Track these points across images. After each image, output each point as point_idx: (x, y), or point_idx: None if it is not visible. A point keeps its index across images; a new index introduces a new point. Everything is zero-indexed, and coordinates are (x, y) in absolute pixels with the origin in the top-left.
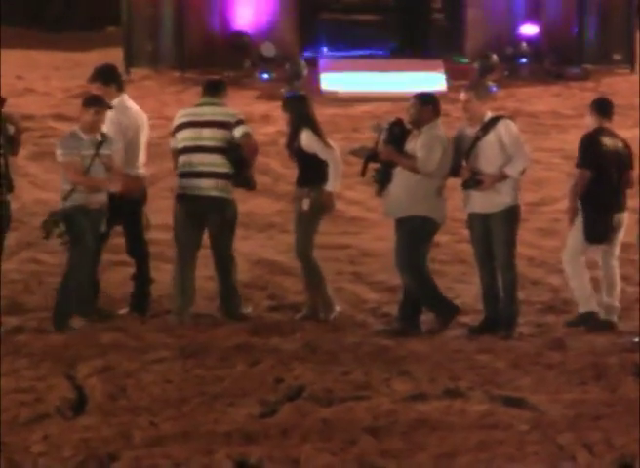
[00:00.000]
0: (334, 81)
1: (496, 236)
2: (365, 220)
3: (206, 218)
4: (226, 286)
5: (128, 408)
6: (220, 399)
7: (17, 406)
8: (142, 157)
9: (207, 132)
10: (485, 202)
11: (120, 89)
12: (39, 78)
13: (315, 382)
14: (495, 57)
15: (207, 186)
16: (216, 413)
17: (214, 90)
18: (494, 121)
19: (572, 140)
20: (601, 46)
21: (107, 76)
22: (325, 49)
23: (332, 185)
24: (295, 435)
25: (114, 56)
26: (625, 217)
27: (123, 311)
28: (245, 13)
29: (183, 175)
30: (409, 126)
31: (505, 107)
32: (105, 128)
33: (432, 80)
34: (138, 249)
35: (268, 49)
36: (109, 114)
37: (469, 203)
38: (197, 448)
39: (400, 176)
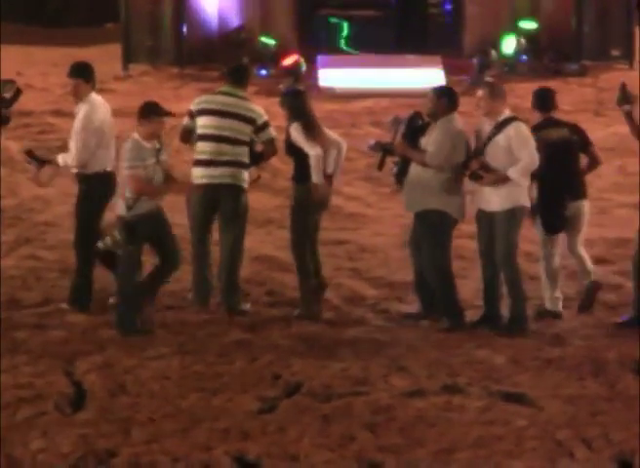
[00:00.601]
0: (332, 77)
1: (497, 235)
2: (363, 216)
3: (220, 206)
4: (230, 280)
5: (127, 404)
6: (218, 395)
7: (16, 402)
8: (112, 153)
9: (231, 123)
10: (490, 200)
11: (94, 87)
12: (38, 74)
13: (314, 378)
14: (493, 52)
15: (224, 174)
16: (214, 410)
17: (239, 79)
18: (506, 122)
19: None
20: (599, 42)
21: (89, 73)
22: (322, 45)
23: (314, 179)
24: (293, 431)
25: (113, 51)
26: (584, 206)
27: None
28: (243, 9)
29: (201, 162)
30: (427, 119)
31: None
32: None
33: (431, 76)
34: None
35: (268, 43)
36: (88, 112)
37: (477, 199)
38: (196, 444)
39: (415, 170)
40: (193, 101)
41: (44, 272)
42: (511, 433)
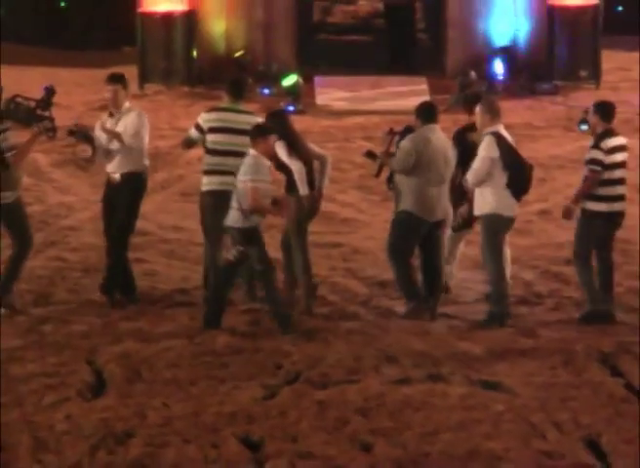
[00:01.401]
0: (328, 96)
1: (481, 237)
2: (356, 221)
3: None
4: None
5: (143, 390)
6: (225, 383)
7: (42, 389)
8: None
9: (236, 138)
10: (475, 206)
11: (128, 95)
12: (62, 93)
13: (311, 368)
14: (473, 73)
15: (229, 182)
16: (222, 396)
17: (237, 93)
18: (484, 136)
19: (542, 149)
20: (569, 64)
21: (126, 81)
22: (320, 67)
23: (300, 190)
24: (293, 415)
25: (130, 72)
26: (465, 209)
27: None
28: (248, 34)
29: (214, 172)
30: None
31: None
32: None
33: (417, 94)
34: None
35: (269, 66)
36: (135, 118)
37: None
38: (205, 426)
39: (396, 176)
40: (202, 117)
41: (68, 272)
42: (489, 417)
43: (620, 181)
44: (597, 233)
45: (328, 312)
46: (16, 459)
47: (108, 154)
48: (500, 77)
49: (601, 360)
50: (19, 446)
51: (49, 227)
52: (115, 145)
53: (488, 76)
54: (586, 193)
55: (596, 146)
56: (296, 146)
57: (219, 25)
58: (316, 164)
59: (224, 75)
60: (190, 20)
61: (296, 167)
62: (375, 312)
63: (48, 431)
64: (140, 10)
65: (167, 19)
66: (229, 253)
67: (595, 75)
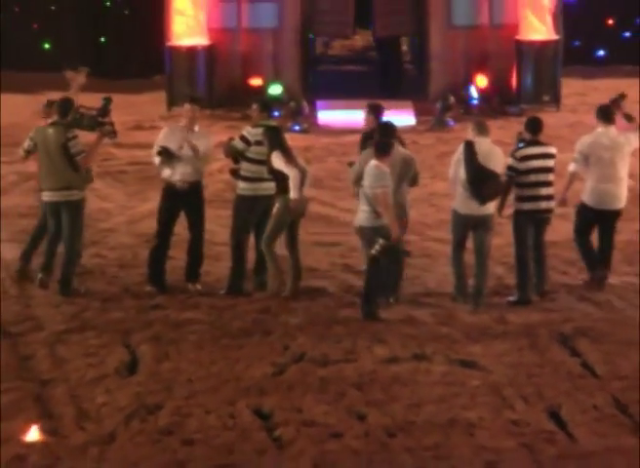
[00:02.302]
0: (328, 117)
1: None
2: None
3: (266, 211)
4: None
5: (170, 368)
6: (240, 362)
7: (85, 367)
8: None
9: None
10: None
11: None
12: None
13: (314, 349)
14: (452, 98)
15: (269, 187)
16: (237, 373)
17: (268, 111)
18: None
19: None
20: (534, 90)
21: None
22: (321, 92)
23: (293, 194)
24: (298, 389)
25: (160, 97)
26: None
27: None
28: (260, 64)
29: (253, 179)
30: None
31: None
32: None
33: (404, 117)
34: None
35: (276, 90)
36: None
37: None
38: (223, 399)
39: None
40: (248, 131)
41: (106, 267)
42: (466, 391)
43: (542, 184)
44: (525, 229)
45: (328, 301)
46: (62, 427)
47: (177, 164)
48: (475, 101)
49: (561, 342)
50: (65, 416)
51: (90, 229)
52: (187, 157)
53: (465, 100)
54: (504, 194)
55: (511, 155)
56: (290, 156)
57: (234, 57)
58: None
59: (240, 99)
60: (211, 53)
61: (293, 173)
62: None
63: (89, 403)
64: (168, 44)
65: (191, 51)
66: (372, 248)
67: (556, 99)
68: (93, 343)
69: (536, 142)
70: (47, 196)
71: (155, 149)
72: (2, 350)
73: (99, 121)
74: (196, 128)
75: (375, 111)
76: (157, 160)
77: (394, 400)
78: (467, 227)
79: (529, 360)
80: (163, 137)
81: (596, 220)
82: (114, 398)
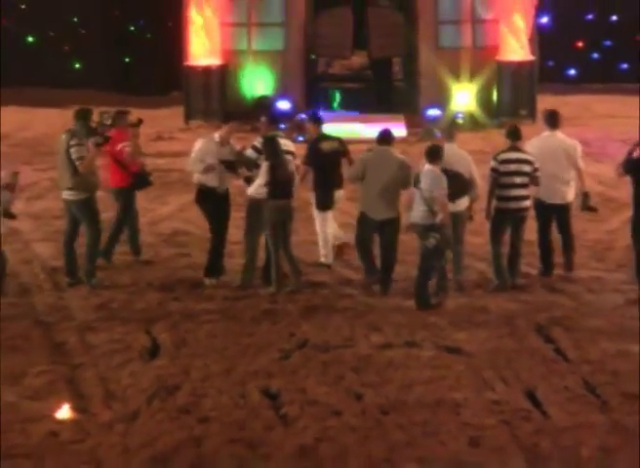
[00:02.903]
0: (328, 129)
1: None
2: (349, 224)
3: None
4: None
5: (187, 354)
6: (250, 348)
7: (111, 352)
8: None
9: (285, 156)
10: None
11: None
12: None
13: (316, 336)
14: (439, 112)
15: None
16: (248, 358)
17: (277, 123)
18: None
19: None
20: (512, 104)
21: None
22: (323, 106)
23: (249, 190)
24: (302, 372)
25: (178, 112)
26: (341, 193)
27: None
28: (268, 82)
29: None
30: None
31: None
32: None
33: (395, 128)
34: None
35: (283, 105)
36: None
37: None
38: (235, 381)
39: None
40: (258, 141)
41: (132, 263)
42: (452, 374)
43: (518, 186)
44: (502, 226)
45: (328, 293)
46: (91, 406)
47: (217, 173)
48: (460, 114)
49: (537, 330)
50: (93, 396)
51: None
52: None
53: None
54: (489, 194)
55: (494, 158)
56: (281, 165)
57: (244, 75)
58: None
59: (249, 113)
60: (223, 72)
61: (259, 181)
62: (365, 293)
63: (116, 384)
64: (185, 64)
65: (206, 71)
66: (428, 241)
67: (532, 113)
68: (119, 331)
69: (515, 148)
70: (62, 195)
71: (194, 158)
72: (37, 337)
73: (97, 132)
74: (230, 141)
75: (315, 121)
76: (197, 167)
77: (388, 382)
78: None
79: (508, 346)
80: (203, 149)
81: (549, 215)
82: (138, 380)
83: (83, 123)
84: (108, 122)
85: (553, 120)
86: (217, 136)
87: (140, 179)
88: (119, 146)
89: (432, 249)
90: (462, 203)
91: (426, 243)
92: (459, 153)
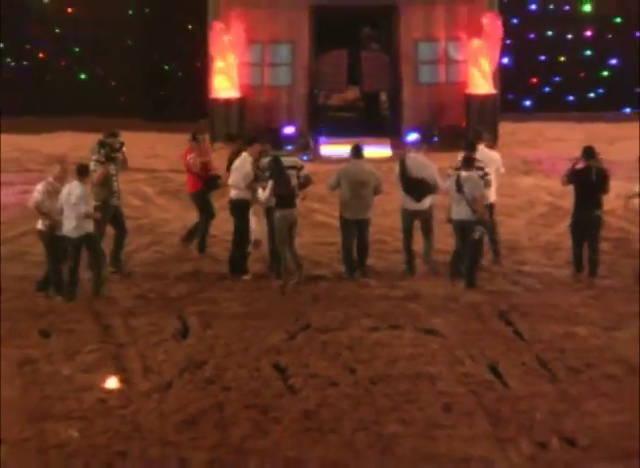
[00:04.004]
0: (328, 150)
1: None
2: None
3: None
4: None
5: (212, 335)
6: (263, 329)
7: (149, 333)
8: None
9: (290, 172)
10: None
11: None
12: (161, 149)
13: (317, 320)
14: (419, 136)
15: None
16: (261, 338)
17: (278, 144)
18: None
19: None
20: (478, 130)
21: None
22: (323, 131)
23: (261, 197)
24: (306, 351)
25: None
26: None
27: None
28: (278, 109)
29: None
30: None
31: None
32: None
33: (383, 149)
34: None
35: (290, 130)
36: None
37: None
38: (251, 357)
39: None
40: (263, 162)
41: (165, 261)
42: (428, 352)
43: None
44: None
45: (328, 285)
46: (132, 378)
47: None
48: (435, 138)
49: (499, 315)
50: (134, 370)
51: (153, 233)
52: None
53: (428, 138)
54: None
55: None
56: (283, 182)
57: (259, 106)
58: None
59: (263, 136)
60: (242, 103)
61: (263, 196)
62: (357, 285)
63: (153, 360)
64: (210, 96)
65: (227, 102)
66: (475, 234)
67: (494, 137)
68: (155, 316)
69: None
70: None
71: (239, 177)
72: (89, 322)
73: (109, 154)
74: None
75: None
76: (242, 184)
77: (376, 358)
78: (412, 217)
79: (474, 328)
80: (247, 168)
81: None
82: (171, 356)
83: (101, 142)
84: (117, 146)
85: (471, 143)
86: (246, 155)
87: (210, 183)
88: (188, 158)
89: (478, 239)
90: (426, 202)
91: (473, 235)
92: (424, 162)
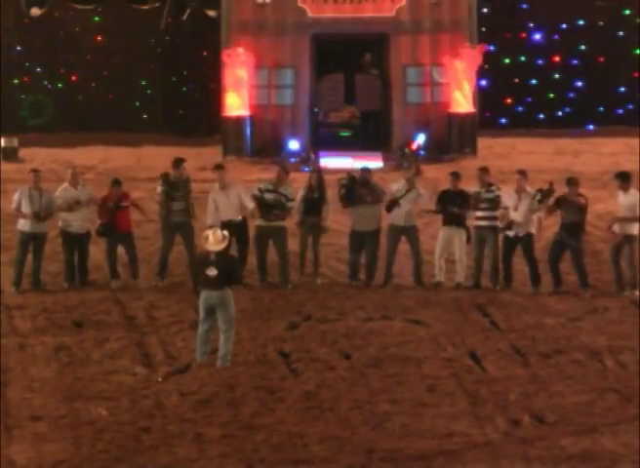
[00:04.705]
0: (327, 162)
1: None
2: (341, 232)
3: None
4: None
5: None
6: (269, 320)
7: (169, 323)
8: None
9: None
10: None
11: None
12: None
13: (317, 312)
14: (407, 150)
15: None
16: (267, 327)
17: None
18: None
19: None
20: (459, 144)
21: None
22: (322, 146)
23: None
24: (307, 339)
25: (217, 150)
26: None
27: None
28: (283, 126)
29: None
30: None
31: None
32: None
33: (375, 162)
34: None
35: (295, 144)
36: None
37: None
38: (258, 344)
39: None
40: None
41: (184, 261)
42: (416, 339)
43: None
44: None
45: (326, 282)
46: (154, 362)
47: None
48: (422, 152)
49: (477, 308)
50: (156, 355)
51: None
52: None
53: (415, 152)
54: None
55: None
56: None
57: (266, 123)
58: None
59: (270, 150)
60: (251, 120)
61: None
62: (353, 282)
63: (172, 347)
64: (223, 114)
65: (238, 119)
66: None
67: (473, 151)
68: (174, 308)
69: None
70: None
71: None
72: (116, 313)
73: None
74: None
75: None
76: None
77: (369, 345)
78: (398, 233)
79: (456, 319)
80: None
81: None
82: (188, 344)
83: (164, 178)
84: (180, 184)
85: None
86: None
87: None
88: None
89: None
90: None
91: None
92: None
